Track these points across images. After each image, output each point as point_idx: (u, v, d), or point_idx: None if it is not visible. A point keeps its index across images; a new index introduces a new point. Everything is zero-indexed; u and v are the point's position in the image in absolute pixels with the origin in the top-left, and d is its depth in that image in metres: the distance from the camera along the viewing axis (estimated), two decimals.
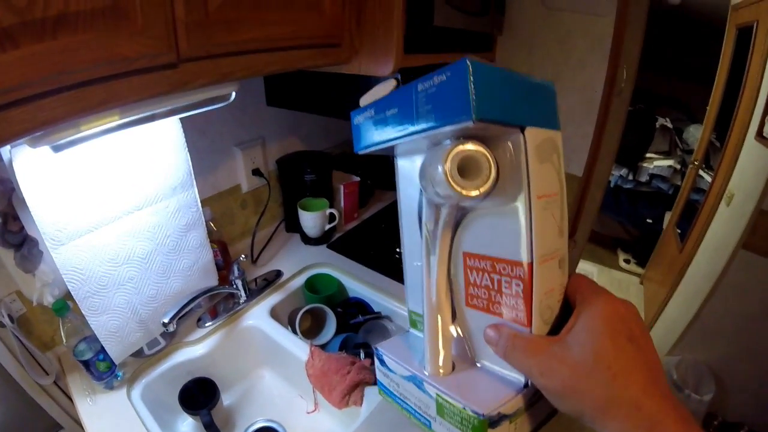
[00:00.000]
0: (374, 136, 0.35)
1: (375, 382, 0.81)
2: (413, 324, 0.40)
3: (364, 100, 0.91)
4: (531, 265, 0.28)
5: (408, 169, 0.37)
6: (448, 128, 0.26)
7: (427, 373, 0.34)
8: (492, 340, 0.31)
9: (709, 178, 2.35)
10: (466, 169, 0.27)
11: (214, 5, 0.50)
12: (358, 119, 0.37)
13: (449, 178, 0.26)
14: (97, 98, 0.44)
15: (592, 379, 0.25)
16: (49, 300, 0.77)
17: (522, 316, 0.30)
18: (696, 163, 2.52)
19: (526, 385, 0.30)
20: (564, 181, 0.30)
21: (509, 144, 0.28)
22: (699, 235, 2.00)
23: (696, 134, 2.81)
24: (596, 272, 2.99)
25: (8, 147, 0.57)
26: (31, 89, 0.39)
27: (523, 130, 0.27)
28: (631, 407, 0.24)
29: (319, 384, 0.82)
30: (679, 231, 2.46)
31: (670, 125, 2.97)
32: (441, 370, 0.33)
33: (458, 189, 0.27)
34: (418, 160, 0.34)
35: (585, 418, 0.26)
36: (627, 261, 3.07)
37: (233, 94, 0.63)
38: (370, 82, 0.82)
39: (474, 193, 0.27)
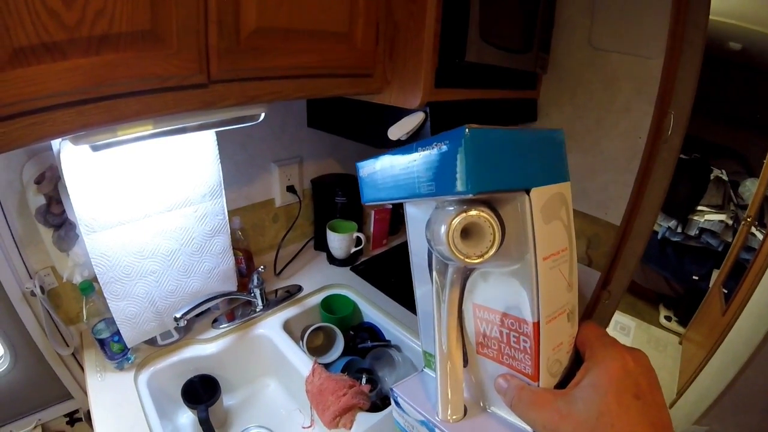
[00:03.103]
0: (379, 192, 0.34)
1: (369, 408, 0.81)
2: (428, 364, 0.40)
3: (392, 133, 0.93)
4: (537, 324, 0.28)
5: (417, 216, 0.36)
6: (448, 197, 0.26)
7: (439, 419, 0.34)
8: (501, 390, 0.31)
9: (761, 237, 2.19)
10: (470, 232, 0.27)
11: (245, 34, 0.53)
12: (363, 172, 0.36)
13: (451, 245, 0.26)
14: (131, 109, 0.49)
15: (606, 425, 0.25)
16: (77, 279, 0.85)
17: (530, 370, 0.30)
18: (749, 219, 2.35)
19: None
20: (573, 235, 0.30)
21: (517, 204, 0.27)
22: (745, 298, 1.84)
23: (752, 189, 2.62)
24: (634, 327, 2.83)
25: (59, 140, 0.63)
26: (75, 96, 0.44)
27: (528, 192, 0.26)
28: None
29: (315, 401, 0.82)
30: (726, 291, 2.28)
31: (725, 177, 2.79)
32: (452, 417, 0.34)
33: (460, 256, 0.26)
34: (427, 210, 0.34)
35: None
36: (668, 318, 2.88)
37: (262, 115, 0.67)
38: (391, 112, 0.83)
39: (475, 260, 0.27)
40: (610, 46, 1.19)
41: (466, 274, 0.32)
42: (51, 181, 0.79)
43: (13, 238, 0.82)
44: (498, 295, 0.31)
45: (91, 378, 0.83)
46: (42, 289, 0.87)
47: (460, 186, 0.24)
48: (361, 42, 0.66)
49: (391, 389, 0.39)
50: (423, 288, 0.38)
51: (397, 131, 0.83)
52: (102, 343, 0.81)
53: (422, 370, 0.41)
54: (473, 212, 0.26)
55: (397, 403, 0.39)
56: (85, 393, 1.02)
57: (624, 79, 1.21)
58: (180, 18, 0.47)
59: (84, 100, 0.45)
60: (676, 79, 1.20)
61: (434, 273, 0.33)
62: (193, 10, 0.48)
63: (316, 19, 0.59)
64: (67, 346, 0.94)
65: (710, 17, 1.09)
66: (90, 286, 0.79)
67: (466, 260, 0.27)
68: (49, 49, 0.40)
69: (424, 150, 0.27)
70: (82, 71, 0.43)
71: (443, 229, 0.26)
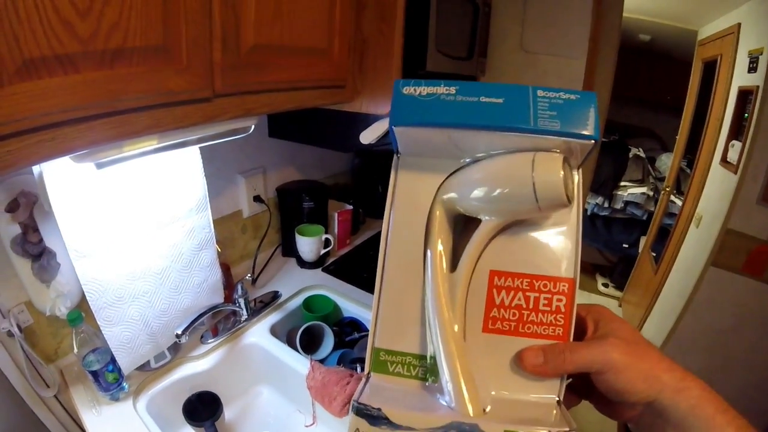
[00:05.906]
0: (440, 114, 0.30)
1: None
2: (380, 366, 0.33)
3: (365, 137, 1.00)
4: (574, 280, 0.31)
5: (423, 174, 0.34)
6: (562, 138, 0.29)
7: (469, 414, 0.29)
8: (536, 359, 0.31)
9: (680, 203, 2.49)
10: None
11: (245, 49, 0.58)
12: (412, 90, 0.31)
13: (566, 181, 0.28)
14: (142, 124, 0.50)
15: (646, 345, 0.31)
16: (62, 311, 0.81)
17: (561, 331, 0.31)
18: (668, 189, 2.68)
19: (559, 402, 0.31)
20: None
21: (575, 171, 0.31)
22: (672, 256, 2.11)
23: (667, 162, 2.99)
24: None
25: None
26: (86, 111, 0.43)
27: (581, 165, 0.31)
28: (678, 368, 0.30)
29: (319, 396, 0.86)
30: (654, 254, 2.58)
31: (642, 154, 3.16)
32: (472, 407, 0.30)
33: (569, 193, 0.29)
34: (445, 164, 0.33)
35: (655, 372, 0.29)
36: (605, 285, 3.18)
37: (252, 127, 0.71)
38: (357, 119, 0.91)
39: (570, 199, 0.29)
40: (540, 49, 1.35)
41: (491, 236, 0.32)
42: (27, 208, 0.75)
43: None
44: (531, 258, 0.32)
45: (86, 415, 0.79)
46: (19, 327, 0.82)
47: (591, 132, 0.28)
48: (338, 56, 0.73)
49: (357, 402, 0.30)
50: (399, 271, 0.34)
51: (369, 135, 0.90)
52: (95, 375, 0.78)
53: (369, 376, 0.33)
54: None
55: (381, 420, 0.29)
56: None
57: (553, 77, 1.37)
58: (189, 34, 0.50)
59: (96, 115, 0.44)
60: (596, 74, 1.38)
61: (435, 240, 0.33)
62: (200, 27, 0.51)
63: (304, 37, 0.64)
64: (48, 387, 0.88)
65: (623, 14, 1.26)
66: (79, 316, 0.75)
67: (570, 198, 0.29)
68: (61, 61, 0.39)
69: (546, 92, 0.30)
70: (96, 85, 0.43)
71: (553, 172, 0.28)
